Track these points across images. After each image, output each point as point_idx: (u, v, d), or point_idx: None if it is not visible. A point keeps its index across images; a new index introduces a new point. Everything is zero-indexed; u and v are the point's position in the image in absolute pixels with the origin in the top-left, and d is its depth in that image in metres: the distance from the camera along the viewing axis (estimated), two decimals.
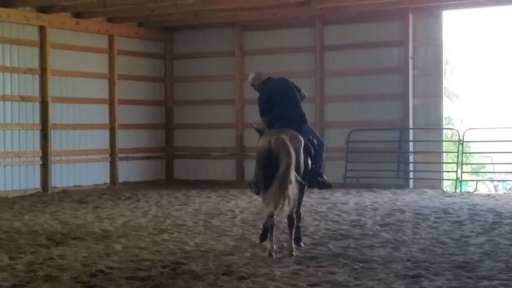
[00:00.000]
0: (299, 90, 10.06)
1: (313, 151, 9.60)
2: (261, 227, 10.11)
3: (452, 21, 28.62)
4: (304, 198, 15.10)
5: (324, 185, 10.19)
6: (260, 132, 9.97)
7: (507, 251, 9.22)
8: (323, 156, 10.07)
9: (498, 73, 39.54)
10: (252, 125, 10.43)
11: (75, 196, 16.46)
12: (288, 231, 9.29)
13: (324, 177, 10.09)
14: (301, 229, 10.06)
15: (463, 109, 37.58)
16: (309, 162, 9.53)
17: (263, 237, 9.85)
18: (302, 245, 9.76)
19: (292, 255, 9.02)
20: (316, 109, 19.00)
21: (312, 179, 9.85)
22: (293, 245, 9.21)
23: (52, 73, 17.85)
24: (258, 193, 9.63)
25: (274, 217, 9.17)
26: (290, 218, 9.25)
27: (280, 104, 9.75)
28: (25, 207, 14.52)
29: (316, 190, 16.89)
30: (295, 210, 9.38)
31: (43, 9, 17.65)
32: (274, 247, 9.12)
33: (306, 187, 9.90)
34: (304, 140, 9.40)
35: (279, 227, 11.28)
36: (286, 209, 9.09)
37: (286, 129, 9.39)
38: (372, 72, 18.66)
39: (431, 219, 12.30)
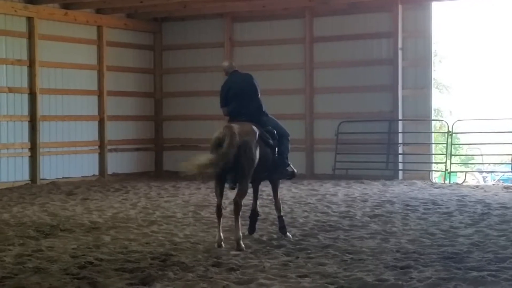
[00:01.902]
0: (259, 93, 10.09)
1: (271, 141, 9.65)
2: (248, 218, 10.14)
3: (441, 13, 28.64)
4: (293, 190, 15.29)
5: (292, 175, 10.22)
6: None
7: (495, 242, 9.25)
8: (289, 146, 10.08)
9: (487, 65, 39.70)
10: None
11: (64, 188, 16.40)
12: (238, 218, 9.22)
13: (292, 166, 10.12)
14: (284, 218, 10.04)
15: (452, 100, 37.71)
16: (269, 152, 9.60)
17: (252, 229, 9.91)
18: (289, 235, 9.78)
19: (241, 246, 8.93)
20: (306, 101, 19.01)
21: (278, 169, 9.89)
22: (240, 234, 9.13)
23: (41, 64, 17.76)
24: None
25: (222, 206, 9.41)
26: (236, 203, 9.20)
27: (238, 98, 9.80)
28: (13, 199, 14.47)
29: (305, 181, 17.03)
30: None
31: (31, 0, 17.54)
32: (222, 237, 9.19)
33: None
34: (260, 131, 9.45)
35: (268, 218, 11.33)
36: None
37: (243, 122, 9.47)
38: (361, 63, 18.65)
39: (420, 210, 12.32)
